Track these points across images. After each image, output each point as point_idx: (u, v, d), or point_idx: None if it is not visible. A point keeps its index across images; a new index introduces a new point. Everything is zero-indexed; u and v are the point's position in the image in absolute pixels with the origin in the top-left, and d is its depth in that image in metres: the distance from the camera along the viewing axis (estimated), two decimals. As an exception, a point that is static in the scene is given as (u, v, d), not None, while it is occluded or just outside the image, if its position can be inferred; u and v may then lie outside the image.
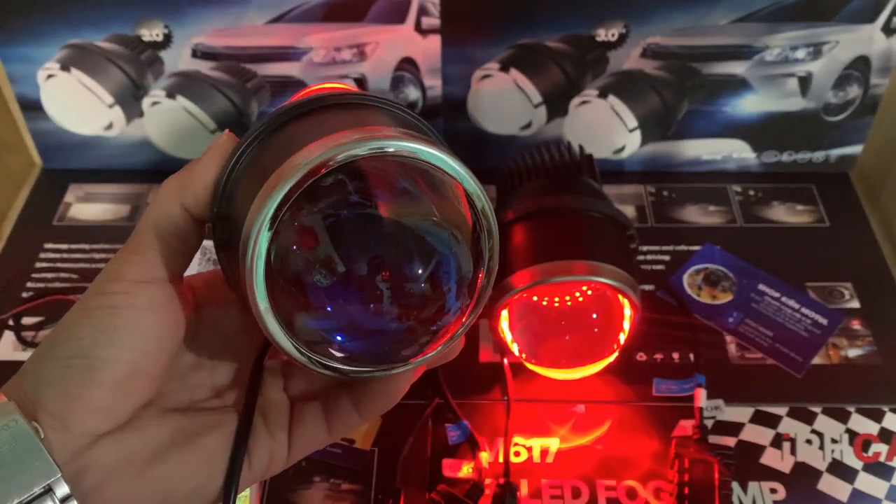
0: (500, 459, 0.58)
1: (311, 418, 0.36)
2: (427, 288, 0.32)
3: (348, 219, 0.31)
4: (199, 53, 0.73)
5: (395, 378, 0.35)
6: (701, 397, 0.60)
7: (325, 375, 0.33)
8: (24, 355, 0.65)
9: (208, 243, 0.35)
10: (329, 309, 0.32)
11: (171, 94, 0.75)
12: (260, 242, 0.29)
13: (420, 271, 0.32)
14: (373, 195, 0.31)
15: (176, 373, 0.35)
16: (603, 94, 0.75)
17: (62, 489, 0.29)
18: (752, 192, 0.79)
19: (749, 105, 0.76)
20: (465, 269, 0.33)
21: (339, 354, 0.33)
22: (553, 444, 0.60)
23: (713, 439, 0.59)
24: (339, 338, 0.33)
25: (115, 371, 0.31)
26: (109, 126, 0.77)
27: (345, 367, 0.33)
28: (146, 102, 0.75)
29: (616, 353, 0.61)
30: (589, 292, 0.59)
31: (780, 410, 0.61)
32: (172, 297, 0.33)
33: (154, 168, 0.79)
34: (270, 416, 0.36)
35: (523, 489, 0.57)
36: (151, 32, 0.72)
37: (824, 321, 0.67)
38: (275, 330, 0.31)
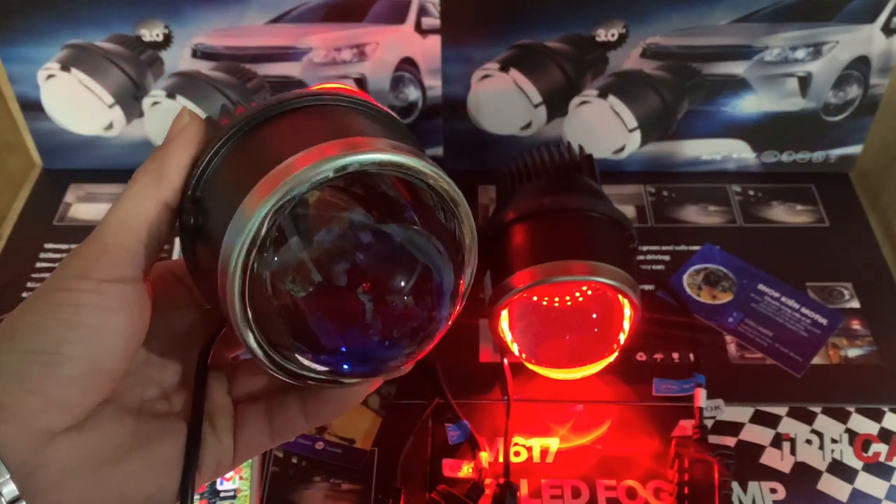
0: (500, 459, 0.58)
1: (253, 422, 0.36)
2: (410, 300, 0.32)
3: (330, 228, 0.30)
4: (199, 53, 0.73)
5: (353, 387, 0.35)
6: (701, 397, 0.60)
7: (295, 384, 0.33)
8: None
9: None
10: (310, 322, 0.31)
11: (171, 94, 0.75)
12: (240, 259, 0.29)
13: (402, 284, 0.31)
14: (354, 202, 0.31)
15: (130, 369, 0.34)
16: (603, 94, 0.75)
17: (10, 490, 0.28)
18: (751, 192, 0.79)
19: (749, 105, 0.76)
20: (446, 280, 0.33)
21: (316, 366, 0.33)
22: (553, 443, 0.60)
23: (713, 439, 0.59)
24: (321, 353, 0.32)
25: (77, 367, 0.30)
26: (109, 126, 0.77)
27: (324, 378, 0.33)
28: (146, 102, 0.75)
29: (616, 353, 0.61)
30: (589, 292, 0.59)
31: (780, 410, 0.61)
32: (140, 296, 0.32)
33: (154, 168, 0.79)
34: (217, 420, 0.35)
35: (523, 489, 0.57)
36: (151, 32, 0.72)
37: (824, 321, 0.67)
38: (255, 347, 0.31)
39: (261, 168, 0.30)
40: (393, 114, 0.35)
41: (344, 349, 0.32)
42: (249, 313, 0.30)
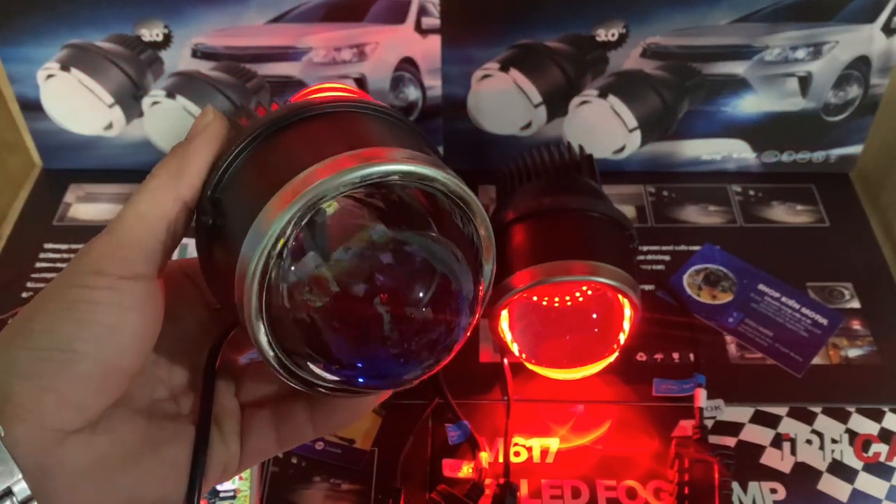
0: (500, 459, 0.58)
1: (260, 428, 0.35)
2: (429, 312, 0.31)
3: (348, 239, 0.30)
4: (199, 53, 0.73)
5: (363, 398, 0.34)
6: (701, 397, 0.60)
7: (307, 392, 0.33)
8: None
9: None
10: (326, 333, 0.31)
11: (171, 94, 0.75)
12: (258, 268, 0.29)
13: (421, 295, 0.31)
14: (373, 212, 0.31)
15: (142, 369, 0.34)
16: (603, 94, 0.75)
17: (22, 489, 0.28)
18: (752, 192, 0.79)
19: (749, 105, 0.75)
20: (465, 290, 0.32)
21: (330, 376, 0.32)
22: (553, 444, 0.60)
23: (713, 439, 0.59)
24: (336, 365, 0.32)
25: (92, 366, 0.30)
26: (109, 126, 0.77)
27: (336, 388, 0.33)
28: (146, 102, 0.75)
29: (616, 353, 0.61)
30: (589, 292, 0.59)
31: (780, 410, 0.61)
32: (155, 295, 0.32)
33: (154, 168, 0.79)
34: (224, 424, 0.35)
35: (523, 489, 0.57)
36: (151, 32, 0.72)
37: (824, 321, 0.67)
38: (266, 350, 0.31)
39: (281, 176, 0.29)
40: (410, 121, 0.35)
41: (360, 364, 0.32)
42: (265, 320, 0.30)
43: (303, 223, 0.29)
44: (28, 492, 0.28)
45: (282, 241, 0.29)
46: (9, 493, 0.28)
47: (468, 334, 0.34)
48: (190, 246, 0.38)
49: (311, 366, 0.32)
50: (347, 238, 0.30)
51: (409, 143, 0.33)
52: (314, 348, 0.31)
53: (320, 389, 0.33)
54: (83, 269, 0.31)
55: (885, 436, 0.60)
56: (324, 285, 0.30)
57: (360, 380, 0.33)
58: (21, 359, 0.29)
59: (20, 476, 0.28)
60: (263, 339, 0.31)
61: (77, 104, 0.75)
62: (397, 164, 0.30)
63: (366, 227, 0.30)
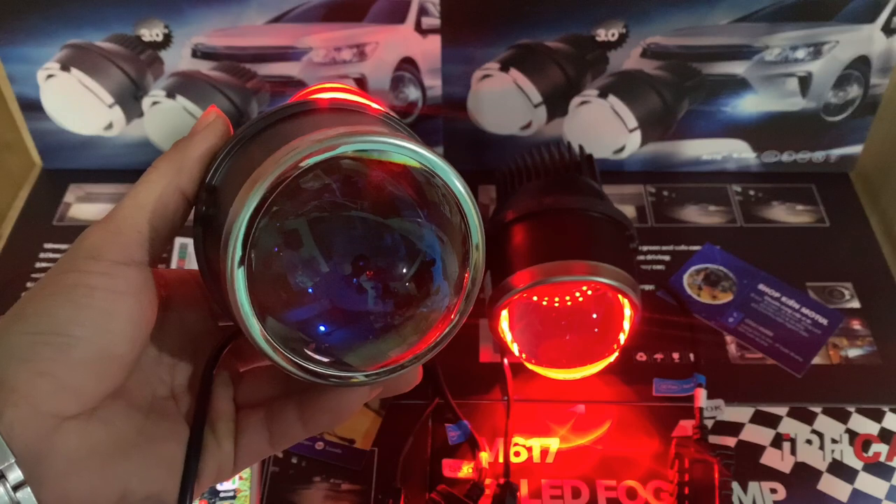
0: (500, 459, 0.58)
1: (254, 429, 0.36)
2: (412, 287, 0.32)
3: (332, 219, 0.31)
4: (199, 53, 0.73)
5: (348, 394, 0.35)
6: (701, 397, 0.60)
7: (303, 380, 0.33)
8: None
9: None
10: (314, 310, 0.31)
11: (171, 94, 0.75)
12: (239, 242, 0.29)
13: (404, 271, 0.32)
14: (357, 196, 0.31)
15: (140, 364, 0.34)
16: (603, 94, 0.75)
17: (15, 475, 0.28)
18: (752, 192, 0.79)
19: (749, 105, 0.76)
20: (450, 270, 0.33)
21: (320, 358, 0.32)
22: (553, 444, 0.60)
23: (713, 439, 0.59)
24: (325, 341, 0.32)
25: (88, 351, 0.30)
26: (109, 126, 0.77)
27: (327, 372, 0.33)
28: (146, 102, 0.75)
29: (616, 353, 0.61)
30: (589, 292, 0.59)
31: (780, 410, 0.61)
32: (150, 282, 0.32)
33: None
34: (218, 426, 0.35)
35: (523, 489, 0.57)
36: (151, 32, 0.72)
37: (824, 321, 0.67)
38: (255, 332, 0.31)
39: (265, 155, 0.30)
40: (402, 121, 0.36)
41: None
42: (252, 302, 0.30)
43: (286, 203, 0.30)
44: (21, 477, 0.28)
45: (259, 220, 0.29)
46: (1, 477, 0.28)
47: (453, 318, 0.34)
48: (191, 247, 0.38)
49: (306, 350, 0.32)
50: (328, 212, 0.31)
51: (396, 130, 0.34)
52: (299, 322, 0.32)
53: (314, 371, 0.33)
54: (80, 255, 0.31)
55: (885, 436, 0.60)
56: (308, 259, 0.31)
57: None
58: (17, 343, 0.30)
59: (13, 460, 0.28)
60: (254, 322, 0.31)
61: (77, 104, 0.75)
62: (378, 136, 0.30)
63: (349, 203, 0.31)
